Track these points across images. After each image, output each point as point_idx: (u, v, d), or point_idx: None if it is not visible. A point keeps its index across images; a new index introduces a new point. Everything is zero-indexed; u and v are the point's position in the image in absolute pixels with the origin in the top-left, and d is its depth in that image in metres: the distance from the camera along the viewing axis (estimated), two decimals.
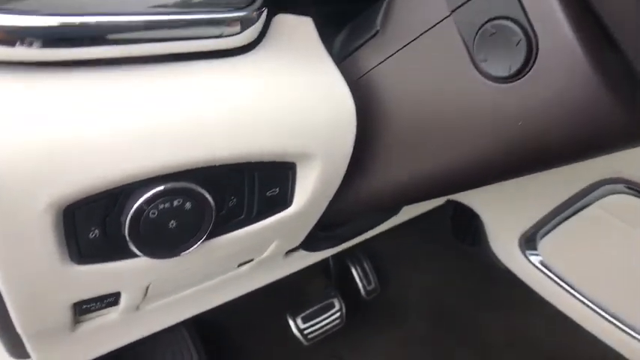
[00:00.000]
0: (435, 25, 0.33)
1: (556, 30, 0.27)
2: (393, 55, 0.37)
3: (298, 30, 0.41)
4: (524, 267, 0.85)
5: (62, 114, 0.29)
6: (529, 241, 0.84)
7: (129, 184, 0.32)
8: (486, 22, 0.30)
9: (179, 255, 0.37)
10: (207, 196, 0.36)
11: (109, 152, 0.30)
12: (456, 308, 1.05)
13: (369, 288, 1.12)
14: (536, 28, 0.28)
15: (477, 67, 0.32)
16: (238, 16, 0.35)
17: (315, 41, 0.41)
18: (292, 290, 0.92)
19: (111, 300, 0.41)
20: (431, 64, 0.35)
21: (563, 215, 0.77)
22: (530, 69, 0.29)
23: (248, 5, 0.36)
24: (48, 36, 0.29)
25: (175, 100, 0.33)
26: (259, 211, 0.41)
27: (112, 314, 0.46)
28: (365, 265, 1.13)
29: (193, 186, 0.35)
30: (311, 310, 0.96)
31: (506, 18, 0.29)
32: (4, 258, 0.31)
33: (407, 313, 1.08)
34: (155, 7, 0.33)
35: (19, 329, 0.40)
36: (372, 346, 1.03)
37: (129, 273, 0.37)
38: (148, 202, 0.33)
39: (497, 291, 1.00)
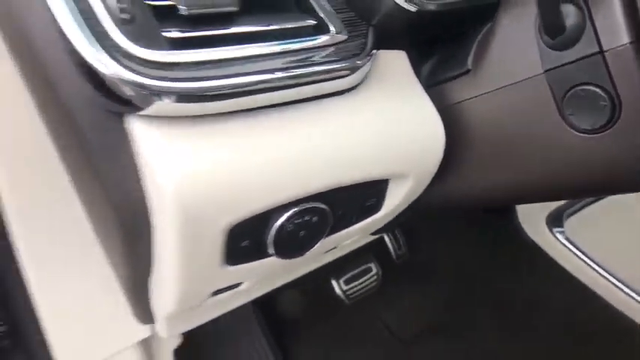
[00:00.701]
0: (528, 78, 0.40)
1: (638, 101, 0.34)
2: (485, 94, 0.44)
3: (394, 64, 0.47)
4: (550, 241, 0.95)
5: (237, 156, 0.37)
6: (556, 219, 0.93)
7: (277, 207, 0.40)
8: (577, 86, 0.37)
9: (303, 255, 0.46)
10: (329, 211, 0.44)
11: (269, 185, 0.38)
12: (480, 274, 1.16)
13: (399, 252, 1.22)
14: (622, 97, 0.35)
15: (563, 118, 0.39)
16: (352, 66, 0.41)
17: (410, 74, 0.48)
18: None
19: (237, 284, 0.51)
20: (520, 108, 0.42)
21: (591, 199, 0.85)
22: (612, 127, 0.36)
23: (359, 53, 0.42)
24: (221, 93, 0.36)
25: (312, 139, 0.40)
26: (357, 217, 0.50)
27: (229, 292, 0.55)
28: (396, 231, 1.23)
29: (321, 205, 0.43)
30: (351, 273, 1.07)
31: (596, 85, 0.36)
32: (182, 263, 0.39)
33: (434, 277, 1.19)
34: (289, 62, 0.39)
35: (165, 311, 0.49)
36: (403, 305, 1.15)
37: (261, 269, 0.46)
38: (288, 219, 0.41)
39: (520, 261, 1.10)
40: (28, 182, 0.50)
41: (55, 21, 0.33)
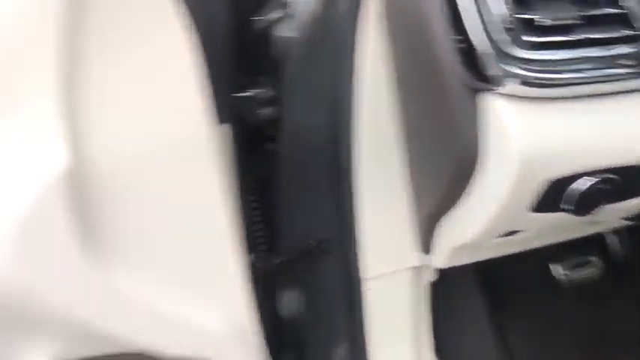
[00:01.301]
0: None
1: None
2: None
3: None
4: None
5: (563, 130, 0.51)
6: None
7: (584, 172, 0.53)
8: None
9: (587, 215, 0.58)
10: (620, 183, 0.55)
11: (585, 154, 0.52)
12: None
13: (621, 252, 1.23)
14: None
15: None
16: None
17: None
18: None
19: (516, 232, 0.65)
20: None
21: None
22: None
23: None
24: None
25: (622, 124, 0.52)
26: (635, 195, 0.60)
27: (506, 238, 0.69)
28: (622, 231, 1.24)
29: (616, 177, 0.54)
30: (573, 261, 1.13)
31: None
32: (504, 203, 0.55)
33: None
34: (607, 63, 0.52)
35: (455, 243, 0.66)
36: (617, 304, 1.16)
37: (546, 221, 0.60)
38: (593, 184, 0.54)
39: None
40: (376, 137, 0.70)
41: (459, 25, 0.51)
